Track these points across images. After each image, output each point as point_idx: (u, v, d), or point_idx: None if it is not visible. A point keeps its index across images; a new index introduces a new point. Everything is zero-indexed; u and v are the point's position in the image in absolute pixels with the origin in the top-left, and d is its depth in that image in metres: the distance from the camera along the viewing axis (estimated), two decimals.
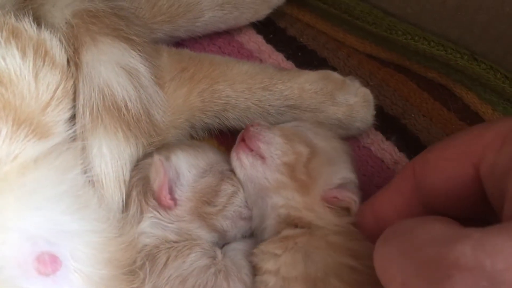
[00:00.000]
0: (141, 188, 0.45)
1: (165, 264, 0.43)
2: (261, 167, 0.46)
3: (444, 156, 0.35)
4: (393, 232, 0.31)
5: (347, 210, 0.44)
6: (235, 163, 0.47)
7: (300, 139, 0.47)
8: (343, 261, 0.40)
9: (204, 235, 0.46)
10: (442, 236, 0.27)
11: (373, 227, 0.40)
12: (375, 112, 0.55)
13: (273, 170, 0.45)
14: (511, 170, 0.29)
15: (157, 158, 0.44)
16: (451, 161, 0.34)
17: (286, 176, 0.45)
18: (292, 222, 0.44)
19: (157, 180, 0.44)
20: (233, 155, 0.48)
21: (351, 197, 0.43)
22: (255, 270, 0.44)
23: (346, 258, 0.41)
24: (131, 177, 0.46)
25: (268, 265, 0.42)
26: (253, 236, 0.48)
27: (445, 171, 0.35)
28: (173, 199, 0.45)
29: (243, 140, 0.48)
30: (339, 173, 0.45)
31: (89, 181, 0.43)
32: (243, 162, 0.47)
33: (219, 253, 0.45)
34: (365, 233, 0.42)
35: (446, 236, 0.27)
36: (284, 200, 0.44)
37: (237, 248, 0.47)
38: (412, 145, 0.58)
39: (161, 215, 0.45)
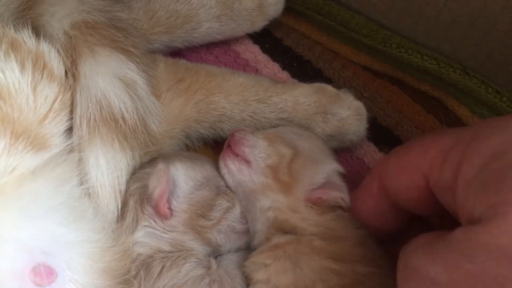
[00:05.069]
0: (138, 197, 0.46)
1: (160, 273, 0.43)
2: (247, 171, 0.47)
3: (399, 165, 0.39)
4: None
5: (333, 207, 0.44)
6: (223, 170, 0.48)
7: (283, 141, 0.47)
8: (326, 265, 0.41)
9: (197, 247, 0.46)
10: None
11: None
12: (368, 125, 0.55)
13: (259, 173, 0.46)
14: (452, 187, 0.32)
15: (161, 166, 0.45)
16: (405, 171, 0.38)
17: (270, 178, 0.45)
18: (280, 227, 0.44)
19: (159, 187, 0.44)
20: (221, 163, 0.49)
21: (336, 196, 0.44)
22: (247, 281, 0.45)
23: (328, 262, 0.41)
24: (128, 186, 0.46)
25: (259, 275, 0.43)
26: (249, 248, 0.48)
27: (401, 179, 0.38)
28: (169, 209, 0.45)
29: (229, 146, 0.49)
30: (322, 170, 0.46)
31: (85, 193, 0.43)
32: (230, 168, 0.48)
33: (213, 263, 0.46)
34: None
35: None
36: (270, 202, 0.45)
37: (231, 258, 0.47)
38: None
39: (156, 223, 0.45)
